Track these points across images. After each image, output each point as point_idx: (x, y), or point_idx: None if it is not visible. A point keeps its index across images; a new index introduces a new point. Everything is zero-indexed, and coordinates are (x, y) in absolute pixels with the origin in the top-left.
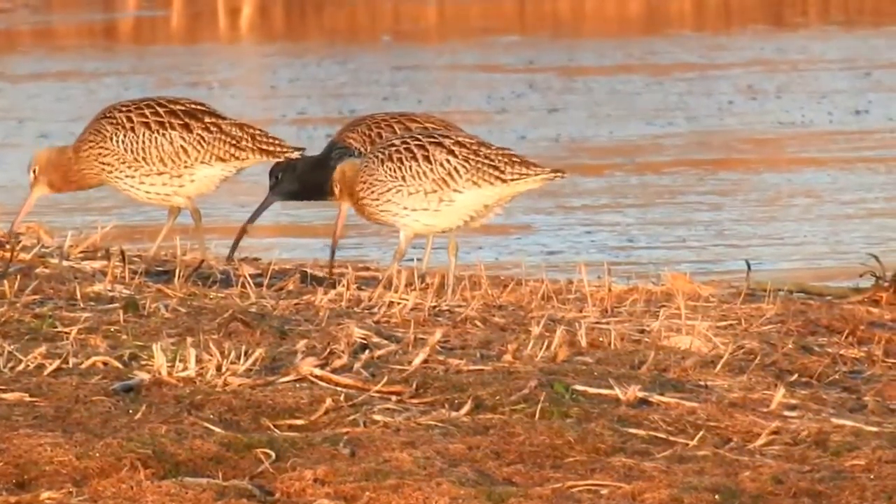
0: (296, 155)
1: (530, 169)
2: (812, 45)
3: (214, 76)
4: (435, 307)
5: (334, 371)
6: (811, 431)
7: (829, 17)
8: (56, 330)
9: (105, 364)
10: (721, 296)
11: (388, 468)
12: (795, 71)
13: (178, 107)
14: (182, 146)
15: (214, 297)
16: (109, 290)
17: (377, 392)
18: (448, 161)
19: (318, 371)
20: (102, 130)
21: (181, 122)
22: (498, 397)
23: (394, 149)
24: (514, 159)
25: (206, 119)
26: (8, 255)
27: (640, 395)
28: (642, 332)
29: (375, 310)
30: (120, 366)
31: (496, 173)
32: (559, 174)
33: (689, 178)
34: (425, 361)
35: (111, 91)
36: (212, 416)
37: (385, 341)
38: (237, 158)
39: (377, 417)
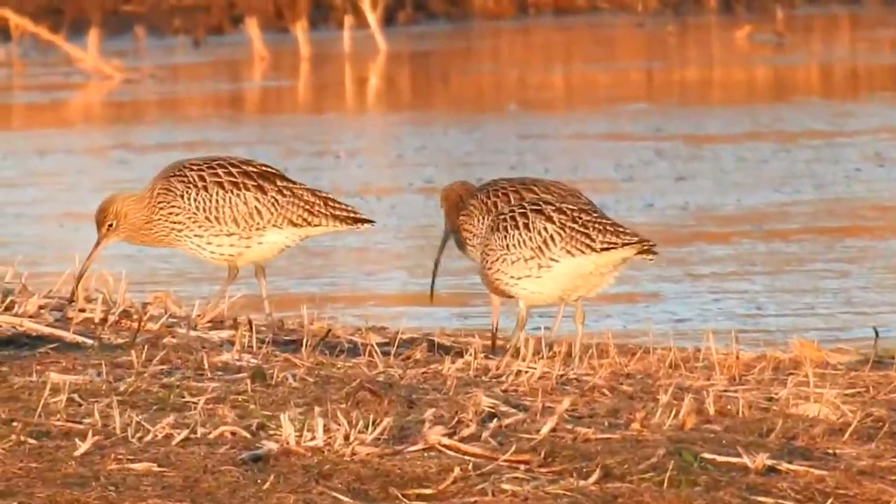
0: (366, 227)
1: (619, 238)
2: None
3: (341, 145)
4: (563, 375)
5: (462, 440)
6: None
7: None
8: (184, 400)
9: (233, 434)
10: (849, 363)
11: None
12: None
13: (251, 168)
14: (257, 208)
15: (342, 366)
16: (237, 360)
17: (505, 461)
18: (545, 228)
19: (446, 440)
20: (173, 189)
21: (255, 184)
22: (626, 466)
23: (502, 217)
24: (608, 228)
25: (279, 182)
26: (136, 325)
27: (769, 463)
28: (770, 399)
29: (503, 378)
30: (248, 435)
31: (587, 241)
32: (648, 245)
33: (817, 245)
34: (553, 430)
35: None
36: (340, 486)
37: (513, 410)
38: (310, 224)
39: (505, 486)
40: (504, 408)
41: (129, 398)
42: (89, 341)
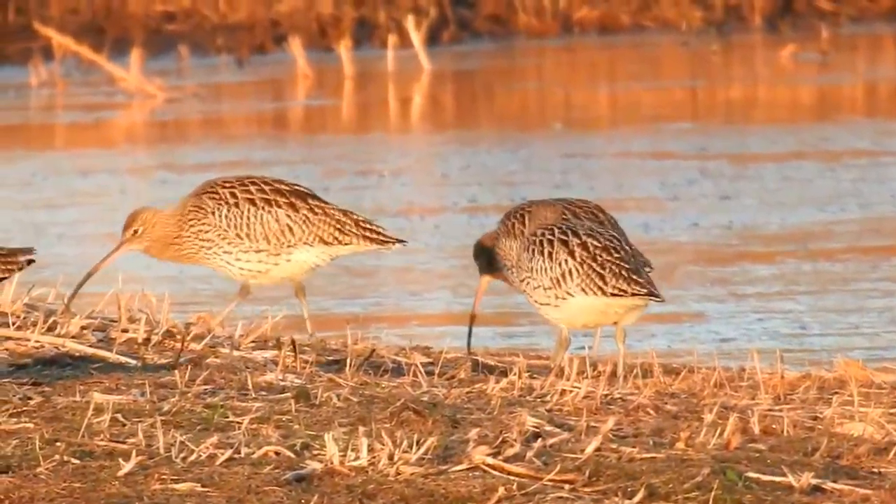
0: (397, 246)
1: (631, 287)
2: None
3: (385, 165)
4: (607, 395)
5: (507, 460)
6: None
7: None
8: (228, 420)
9: (277, 454)
10: (894, 382)
11: None
12: None
13: (283, 186)
14: (288, 225)
15: (386, 385)
16: (281, 380)
17: (550, 480)
18: (566, 262)
19: (490, 460)
20: (204, 206)
21: (287, 201)
22: (671, 485)
23: (532, 239)
24: (623, 273)
25: (311, 201)
26: (179, 345)
27: (814, 482)
28: (815, 418)
29: (547, 398)
30: (292, 455)
31: (600, 283)
32: (656, 298)
33: (862, 264)
34: (598, 449)
35: None
36: None
37: (557, 429)
38: (340, 243)
39: None
40: (548, 427)
41: (172, 418)
42: (133, 361)
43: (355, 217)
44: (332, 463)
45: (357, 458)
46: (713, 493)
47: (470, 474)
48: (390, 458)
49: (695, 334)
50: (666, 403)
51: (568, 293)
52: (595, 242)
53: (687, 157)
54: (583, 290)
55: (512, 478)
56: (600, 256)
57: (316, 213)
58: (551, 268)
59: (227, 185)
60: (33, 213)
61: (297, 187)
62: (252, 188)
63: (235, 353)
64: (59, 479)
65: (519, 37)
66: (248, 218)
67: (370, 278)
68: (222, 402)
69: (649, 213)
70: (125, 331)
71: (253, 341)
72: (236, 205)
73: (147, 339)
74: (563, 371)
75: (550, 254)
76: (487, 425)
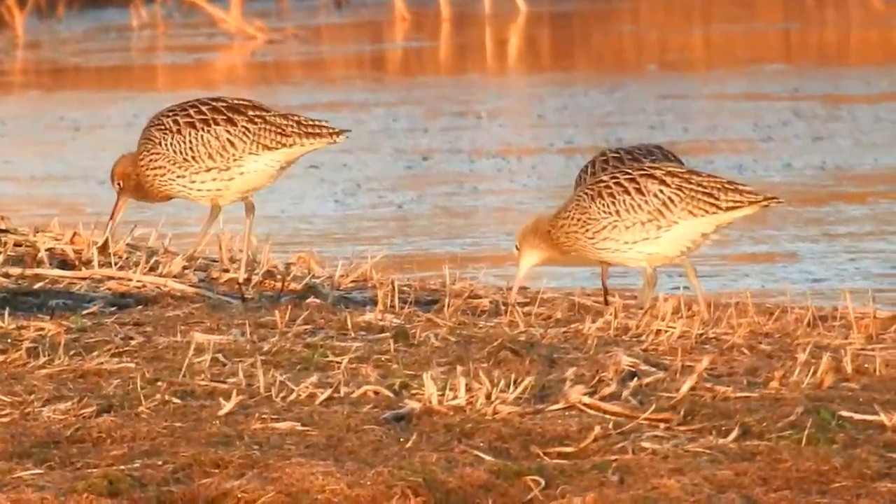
0: (342, 138)
1: (744, 196)
2: None
3: (482, 106)
4: (701, 335)
5: (603, 399)
6: None
7: None
8: (327, 359)
9: (376, 393)
10: None
11: (657, 495)
12: None
13: (221, 103)
14: (229, 139)
15: (483, 326)
16: (380, 320)
17: (645, 419)
18: (661, 192)
19: (586, 399)
20: (152, 138)
21: (224, 118)
22: (765, 424)
23: (603, 185)
24: (728, 186)
25: (250, 112)
26: (279, 285)
27: None
28: None
29: (643, 338)
30: (391, 395)
31: (711, 200)
32: (774, 200)
33: None
34: (693, 389)
35: (380, 122)
36: (482, 445)
37: (653, 369)
38: (284, 146)
39: (645, 445)
40: (644, 367)
41: (272, 358)
42: (233, 301)
43: (296, 118)
44: (430, 402)
45: (455, 398)
46: (806, 432)
47: (566, 413)
48: (488, 397)
49: (788, 274)
50: (760, 343)
51: (674, 222)
52: (679, 169)
53: (780, 99)
54: (690, 212)
55: (608, 417)
56: (693, 178)
57: (256, 123)
58: (646, 201)
59: (170, 113)
60: None
61: (237, 102)
62: (191, 111)
63: (335, 292)
64: (160, 419)
65: None
66: (190, 140)
67: (468, 219)
68: (322, 342)
69: (743, 154)
70: (226, 271)
71: (353, 281)
72: (178, 131)
73: (248, 280)
74: (655, 311)
75: (638, 189)
76: (583, 365)
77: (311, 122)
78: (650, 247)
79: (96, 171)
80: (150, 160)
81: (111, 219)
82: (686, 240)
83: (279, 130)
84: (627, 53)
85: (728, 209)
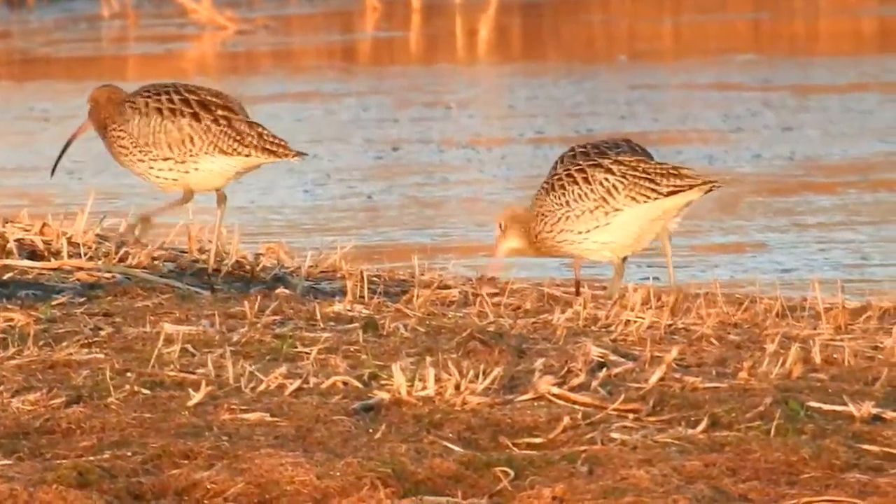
0: (297, 159)
1: (685, 181)
2: None
3: (452, 96)
4: (671, 325)
5: (572, 389)
6: None
7: None
8: (296, 350)
9: (345, 384)
10: None
11: (626, 486)
12: None
13: (194, 96)
14: (189, 134)
15: (453, 316)
16: (349, 311)
17: (614, 410)
18: (607, 179)
19: (555, 389)
20: (124, 114)
21: (191, 112)
22: (734, 414)
23: (556, 178)
24: (671, 172)
25: (219, 112)
26: (249, 275)
27: (874, 411)
28: (876, 348)
29: (612, 328)
30: (360, 385)
31: (653, 186)
32: (715, 183)
33: None
34: (662, 379)
35: (350, 112)
36: (451, 435)
37: (622, 359)
38: (239, 154)
39: (614, 435)
40: (613, 357)
41: (241, 348)
42: (203, 292)
43: (259, 130)
44: (399, 393)
45: (424, 389)
46: (775, 423)
47: (535, 404)
48: (457, 388)
49: (757, 265)
50: (729, 333)
51: (617, 209)
52: (629, 158)
53: (750, 89)
54: (633, 199)
55: (577, 407)
56: (640, 166)
57: (219, 125)
58: (592, 190)
59: (146, 93)
60: None
61: (210, 98)
62: (163, 98)
63: (304, 283)
64: (129, 410)
65: None
66: (154, 127)
67: (438, 209)
68: (291, 333)
69: (713, 144)
70: (195, 261)
71: (322, 272)
72: (146, 114)
73: (217, 270)
74: (625, 302)
75: (585, 178)
76: (553, 355)
77: (271, 138)
78: (602, 235)
79: (66, 161)
80: (119, 136)
81: (71, 140)
82: (634, 227)
83: (238, 138)
84: (598, 44)
85: (669, 194)
